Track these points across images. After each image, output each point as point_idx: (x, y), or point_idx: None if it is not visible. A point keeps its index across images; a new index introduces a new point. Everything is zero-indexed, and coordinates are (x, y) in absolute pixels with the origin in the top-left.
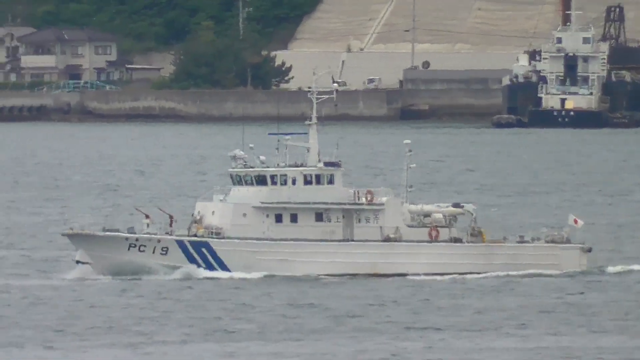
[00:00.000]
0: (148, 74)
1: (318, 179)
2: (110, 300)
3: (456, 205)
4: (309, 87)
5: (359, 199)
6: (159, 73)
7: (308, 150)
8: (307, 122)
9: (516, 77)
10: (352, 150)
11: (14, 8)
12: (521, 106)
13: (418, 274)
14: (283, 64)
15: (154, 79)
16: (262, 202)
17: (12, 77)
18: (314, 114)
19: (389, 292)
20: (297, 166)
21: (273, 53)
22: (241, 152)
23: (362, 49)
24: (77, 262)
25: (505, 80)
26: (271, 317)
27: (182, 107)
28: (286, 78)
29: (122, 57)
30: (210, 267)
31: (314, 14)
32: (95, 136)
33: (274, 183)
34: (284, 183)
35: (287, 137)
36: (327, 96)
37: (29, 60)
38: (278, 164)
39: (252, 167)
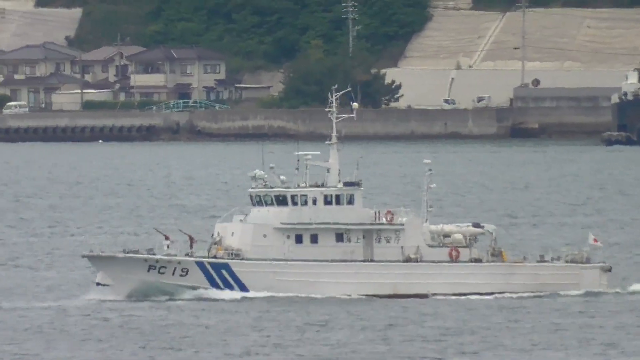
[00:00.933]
0: (257, 92)
1: (338, 199)
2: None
3: (476, 225)
4: (329, 107)
5: (379, 219)
6: (268, 91)
7: (328, 171)
8: (327, 142)
9: (625, 94)
10: (464, 170)
11: (124, 27)
12: (630, 124)
13: (438, 294)
14: (392, 82)
15: (263, 97)
16: (283, 223)
17: (122, 96)
18: (334, 134)
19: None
20: (317, 186)
21: (382, 71)
22: (261, 172)
23: (471, 67)
24: (97, 284)
25: (615, 98)
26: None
27: (292, 126)
28: (396, 96)
29: (231, 75)
30: (230, 288)
31: (423, 32)
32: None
33: (294, 203)
34: (305, 203)
35: (308, 156)
36: (347, 115)
37: (139, 79)
38: (298, 184)
39: (272, 188)
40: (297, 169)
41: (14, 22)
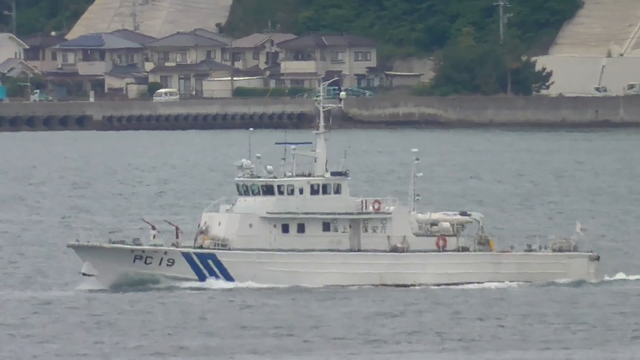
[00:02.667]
0: (408, 80)
1: (325, 189)
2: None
3: (463, 213)
4: (317, 97)
5: (366, 208)
6: (418, 79)
7: (315, 160)
8: (314, 132)
9: None
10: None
11: (274, 14)
12: None
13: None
14: (543, 69)
15: (414, 85)
16: (269, 213)
17: (272, 84)
18: (322, 123)
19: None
20: (304, 176)
21: (533, 58)
22: (248, 161)
23: (622, 54)
24: (84, 274)
25: None
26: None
27: (442, 114)
28: (546, 84)
29: (381, 63)
30: (216, 278)
31: (574, 19)
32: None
33: (280, 193)
34: (291, 193)
35: (293, 146)
36: (334, 105)
37: (289, 66)
38: (285, 174)
39: (258, 177)
40: (284, 158)
41: (165, 9)
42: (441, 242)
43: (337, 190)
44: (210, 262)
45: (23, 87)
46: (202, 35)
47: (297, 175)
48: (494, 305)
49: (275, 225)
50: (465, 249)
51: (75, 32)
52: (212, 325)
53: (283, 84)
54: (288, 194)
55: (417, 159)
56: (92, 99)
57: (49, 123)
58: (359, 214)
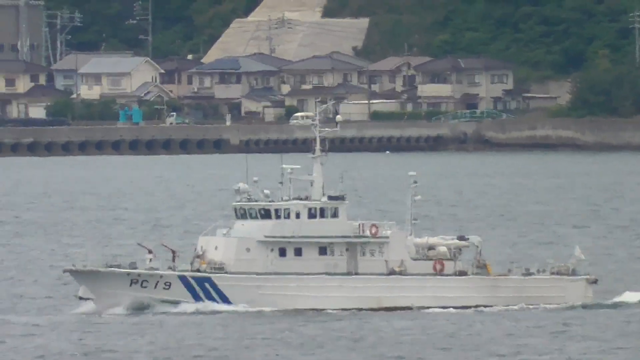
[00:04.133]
0: (545, 102)
1: (322, 213)
2: None
3: (461, 238)
4: (313, 120)
5: (363, 232)
6: (555, 101)
7: (312, 184)
8: (311, 156)
9: None
10: None
11: (411, 37)
12: None
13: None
14: None
15: (551, 107)
16: (266, 236)
17: (409, 107)
18: (318, 147)
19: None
20: (301, 199)
21: None
22: (245, 185)
23: None
24: (80, 298)
25: None
26: None
27: (579, 136)
28: None
29: (518, 85)
30: (213, 302)
31: None
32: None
33: (278, 217)
34: (288, 217)
35: (290, 170)
36: (331, 129)
37: (426, 89)
38: (282, 198)
39: (256, 201)
40: (281, 182)
41: (301, 32)
42: (438, 266)
43: (335, 214)
44: (207, 285)
45: (159, 111)
46: (339, 59)
47: (294, 199)
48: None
49: (272, 249)
50: (462, 273)
51: (212, 55)
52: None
53: (420, 107)
54: (285, 217)
55: (415, 182)
56: (228, 123)
57: (186, 146)
58: (355, 237)
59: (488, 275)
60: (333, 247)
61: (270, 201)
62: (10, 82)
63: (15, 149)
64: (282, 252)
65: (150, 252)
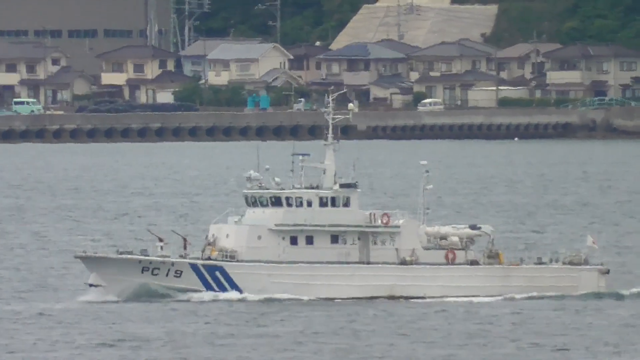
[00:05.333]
0: None
1: (334, 201)
2: None
3: (473, 227)
4: (325, 107)
5: (375, 221)
6: None
7: (324, 172)
8: (324, 143)
9: None
10: None
11: (540, 24)
12: None
13: (434, 297)
14: None
15: None
16: (277, 225)
17: (537, 94)
18: (330, 134)
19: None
20: (312, 188)
21: None
22: (256, 173)
23: None
24: (90, 285)
25: None
26: None
27: None
28: None
29: None
30: (224, 290)
31: None
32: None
33: (289, 205)
34: (300, 205)
35: (302, 157)
36: (343, 116)
37: (555, 77)
38: (294, 186)
39: (267, 189)
40: (292, 170)
41: (430, 19)
42: (450, 255)
43: (346, 203)
44: (217, 273)
45: (287, 97)
46: (467, 45)
47: (305, 187)
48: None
49: (283, 237)
50: (474, 262)
51: (340, 41)
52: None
53: (549, 94)
54: (297, 205)
55: (427, 171)
56: (356, 109)
57: (314, 132)
58: (367, 226)
59: (500, 264)
60: (345, 236)
61: (281, 189)
62: (139, 68)
63: (142, 134)
64: (294, 241)
65: (161, 239)
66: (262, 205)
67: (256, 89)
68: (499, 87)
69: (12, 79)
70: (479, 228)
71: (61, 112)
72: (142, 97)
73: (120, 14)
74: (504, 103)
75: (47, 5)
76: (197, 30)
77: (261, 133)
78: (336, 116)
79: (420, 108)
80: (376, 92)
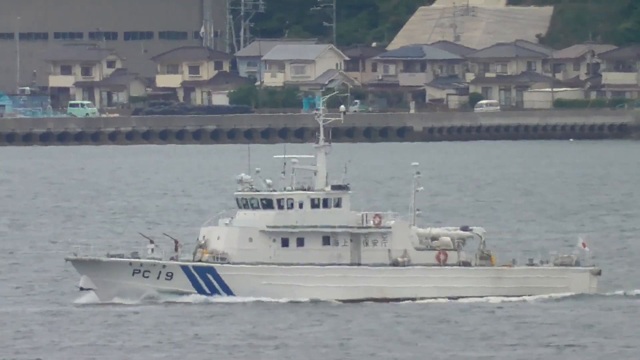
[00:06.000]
0: None
1: (325, 203)
2: None
3: (464, 228)
4: (316, 110)
5: (366, 222)
6: None
7: (315, 174)
8: (315, 145)
9: None
10: None
11: (595, 25)
12: None
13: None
14: None
15: None
16: (269, 226)
17: (593, 95)
18: (322, 137)
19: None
20: (304, 190)
21: None
22: (247, 175)
23: None
24: (81, 288)
25: None
26: None
27: None
28: None
29: None
30: (215, 292)
31: None
32: None
33: (280, 207)
34: (291, 207)
35: (294, 159)
36: (334, 119)
37: (610, 78)
38: (285, 188)
39: (258, 191)
40: (284, 172)
41: (485, 20)
42: (442, 257)
43: (338, 204)
44: (209, 275)
45: (343, 99)
46: (523, 47)
47: (296, 189)
48: None
49: (274, 239)
50: (466, 264)
51: (396, 43)
52: None
53: (604, 95)
54: (288, 207)
55: (418, 173)
56: (412, 110)
57: (369, 134)
58: (359, 228)
59: (492, 265)
60: (336, 237)
61: (272, 191)
62: (194, 70)
63: (197, 136)
64: (285, 242)
65: (152, 241)
66: (253, 207)
67: (312, 90)
68: (555, 89)
69: (67, 81)
70: (471, 230)
71: (117, 115)
72: (197, 99)
73: (176, 15)
74: (560, 104)
75: (102, 7)
76: (253, 31)
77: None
78: (327, 118)
79: (476, 109)
80: (432, 93)
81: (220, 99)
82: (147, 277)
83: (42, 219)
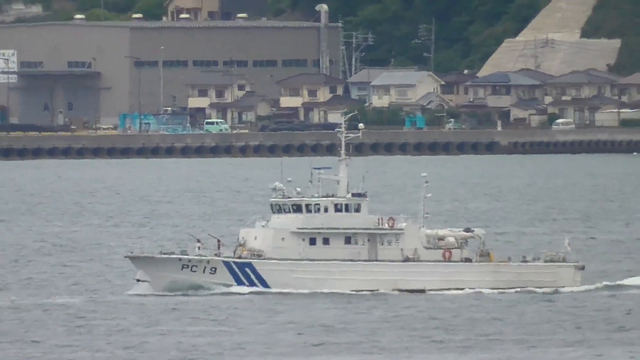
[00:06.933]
0: None
1: (347, 208)
2: None
3: (467, 230)
4: (339, 128)
5: (382, 224)
6: None
7: (338, 183)
8: (338, 159)
9: None
10: None
11: None
12: None
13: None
14: None
15: None
16: (299, 228)
17: None
18: (343, 150)
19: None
20: (328, 197)
21: None
22: (280, 184)
23: None
24: (138, 280)
25: None
26: None
27: None
28: None
29: None
30: (252, 284)
31: None
32: None
33: (308, 211)
34: (318, 211)
35: (321, 171)
36: (354, 135)
37: None
38: (312, 195)
39: (289, 198)
40: (311, 181)
41: (562, 51)
42: (447, 254)
43: (357, 209)
44: (247, 270)
45: (440, 117)
46: (594, 74)
47: (322, 196)
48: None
49: (303, 239)
50: (468, 260)
51: (485, 70)
52: None
53: None
54: (315, 212)
55: (427, 182)
56: (499, 128)
57: (462, 148)
58: (375, 229)
59: (490, 262)
60: (356, 237)
61: (301, 197)
62: (312, 93)
63: (315, 149)
64: (312, 242)
65: (198, 240)
66: (285, 211)
67: (413, 110)
68: (621, 110)
69: (203, 102)
70: (472, 231)
71: (246, 131)
72: (315, 117)
73: (297, 46)
74: (625, 123)
75: (234, 39)
76: (363, 60)
77: (418, 149)
78: (348, 135)
79: (554, 127)
80: (516, 113)
81: (335, 117)
82: (195, 271)
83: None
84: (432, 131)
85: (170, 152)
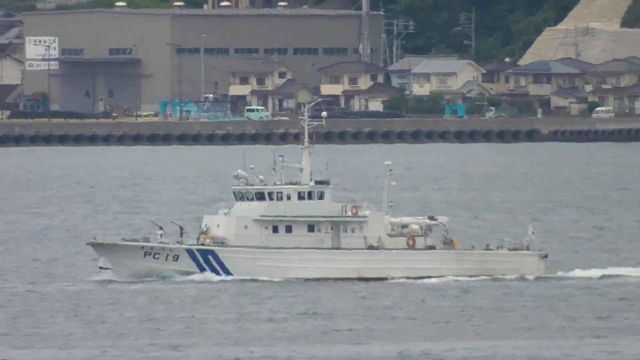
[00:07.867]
0: None
1: (310, 195)
2: None
3: (431, 218)
4: (302, 114)
5: (345, 212)
6: None
7: (301, 171)
8: (300, 147)
9: None
10: None
11: None
12: None
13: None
14: None
15: None
16: (261, 216)
17: None
18: (306, 139)
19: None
20: (291, 184)
21: None
22: (243, 172)
23: None
24: (100, 267)
25: None
26: None
27: None
28: None
29: None
30: (215, 272)
31: None
32: None
33: (271, 199)
34: (280, 199)
35: (282, 158)
36: (317, 123)
37: None
38: (275, 183)
39: (252, 185)
40: (274, 169)
41: (602, 39)
42: (411, 242)
43: (321, 197)
44: (210, 257)
45: (480, 106)
46: (634, 62)
47: (285, 184)
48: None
49: (266, 227)
50: (431, 248)
51: (526, 59)
52: None
53: None
54: (278, 199)
55: (391, 170)
56: (539, 116)
57: (503, 136)
58: (339, 217)
59: (454, 249)
60: (319, 225)
61: (264, 185)
62: (353, 81)
63: (356, 137)
64: (275, 229)
65: (161, 228)
66: (248, 199)
67: (453, 98)
68: None
69: (244, 90)
70: (436, 219)
71: (286, 118)
72: (356, 105)
73: (338, 34)
74: None
75: (275, 27)
76: (403, 48)
77: (458, 136)
78: (312, 123)
79: (594, 115)
80: (556, 101)
81: (376, 105)
82: (157, 258)
83: None
84: (473, 119)
85: (211, 139)
